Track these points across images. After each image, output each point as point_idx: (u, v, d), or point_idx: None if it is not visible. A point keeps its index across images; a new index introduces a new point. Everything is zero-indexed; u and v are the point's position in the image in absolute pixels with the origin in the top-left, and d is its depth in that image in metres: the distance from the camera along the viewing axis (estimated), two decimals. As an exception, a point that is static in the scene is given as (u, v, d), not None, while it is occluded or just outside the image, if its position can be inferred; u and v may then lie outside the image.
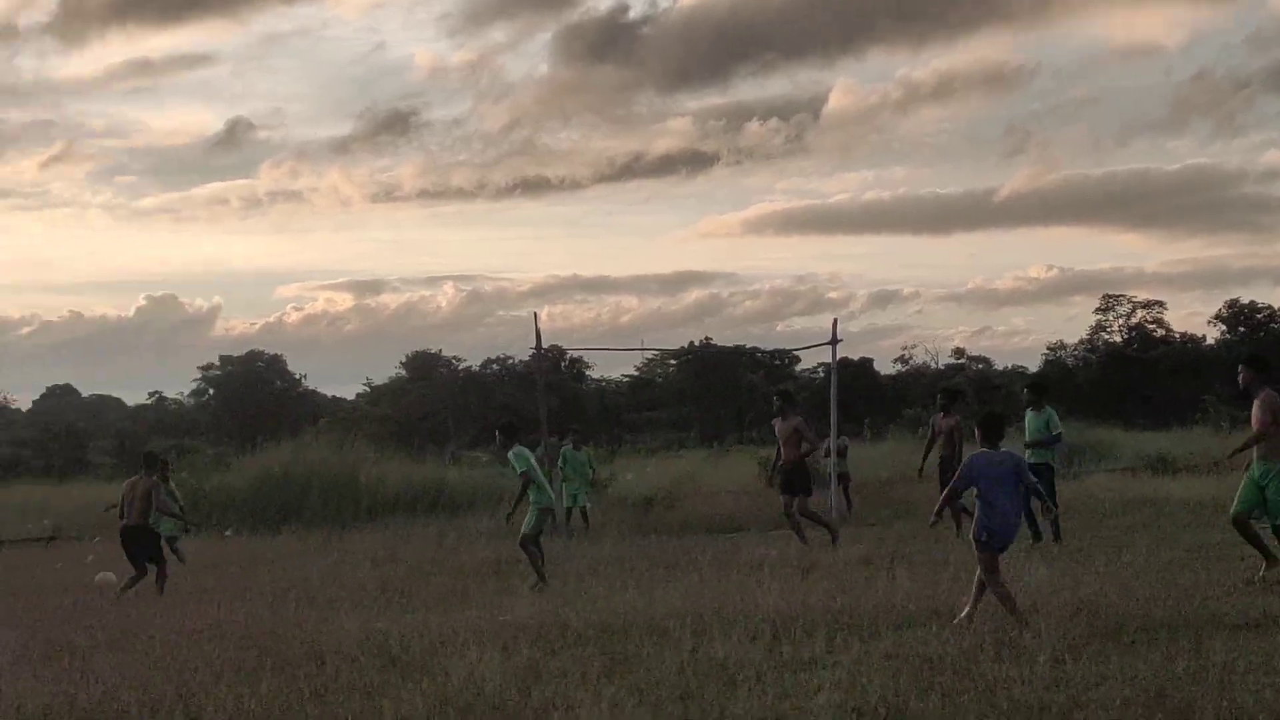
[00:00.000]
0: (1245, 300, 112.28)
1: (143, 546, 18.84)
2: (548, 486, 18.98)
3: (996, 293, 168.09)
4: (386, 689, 10.53)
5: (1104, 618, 12.78)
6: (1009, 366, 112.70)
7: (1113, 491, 29.77)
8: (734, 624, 13.17)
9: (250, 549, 25.43)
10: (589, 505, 29.33)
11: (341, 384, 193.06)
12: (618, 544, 23.28)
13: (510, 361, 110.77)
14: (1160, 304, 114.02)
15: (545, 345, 33.47)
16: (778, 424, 21.86)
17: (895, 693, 9.79)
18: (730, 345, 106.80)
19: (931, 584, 15.82)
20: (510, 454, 18.37)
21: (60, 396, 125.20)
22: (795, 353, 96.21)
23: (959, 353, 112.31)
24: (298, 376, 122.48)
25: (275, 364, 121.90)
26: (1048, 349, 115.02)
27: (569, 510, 28.64)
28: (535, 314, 32.16)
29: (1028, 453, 21.05)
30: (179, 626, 14.61)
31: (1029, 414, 22.04)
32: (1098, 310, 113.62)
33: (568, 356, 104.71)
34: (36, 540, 30.26)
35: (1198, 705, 9.06)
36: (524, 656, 11.63)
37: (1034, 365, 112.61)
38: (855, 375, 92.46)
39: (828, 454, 28.02)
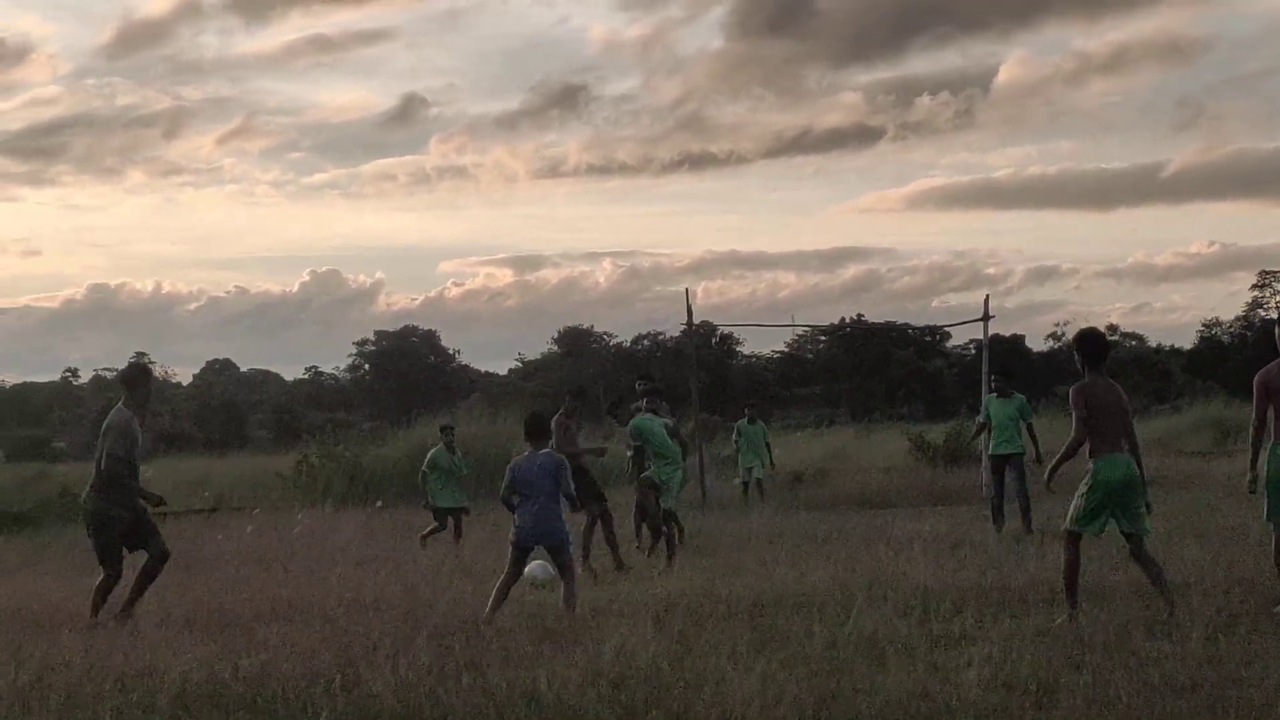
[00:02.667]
0: None
1: None
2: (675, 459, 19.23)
3: (1156, 269, 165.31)
4: (540, 660, 10.68)
5: (1259, 595, 12.68)
6: (1160, 344, 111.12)
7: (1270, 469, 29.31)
8: (884, 599, 13.21)
9: (405, 521, 25.75)
10: (763, 478, 29.82)
11: (498, 359, 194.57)
12: (768, 519, 23.34)
13: (661, 337, 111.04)
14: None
15: (697, 321, 33.57)
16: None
17: (1045, 669, 9.81)
18: (881, 322, 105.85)
19: (1083, 560, 15.75)
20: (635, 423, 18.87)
21: (220, 371, 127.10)
22: (947, 329, 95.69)
23: (1112, 329, 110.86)
24: (451, 352, 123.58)
25: (429, 339, 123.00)
26: (1203, 326, 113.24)
27: (745, 484, 29.23)
28: (687, 290, 32.27)
29: (994, 442, 20.72)
30: (338, 598, 14.88)
31: (995, 401, 21.00)
32: (1254, 287, 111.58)
33: (719, 332, 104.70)
34: (199, 511, 30.85)
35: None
36: (675, 630, 11.74)
37: (1188, 343, 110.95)
38: (1007, 352, 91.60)
39: (978, 432, 27.91)
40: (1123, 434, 12.60)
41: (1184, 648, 10.42)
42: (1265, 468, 12.70)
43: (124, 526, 14.43)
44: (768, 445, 30.40)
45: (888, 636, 11.31)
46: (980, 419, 21.51)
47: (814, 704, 8.84)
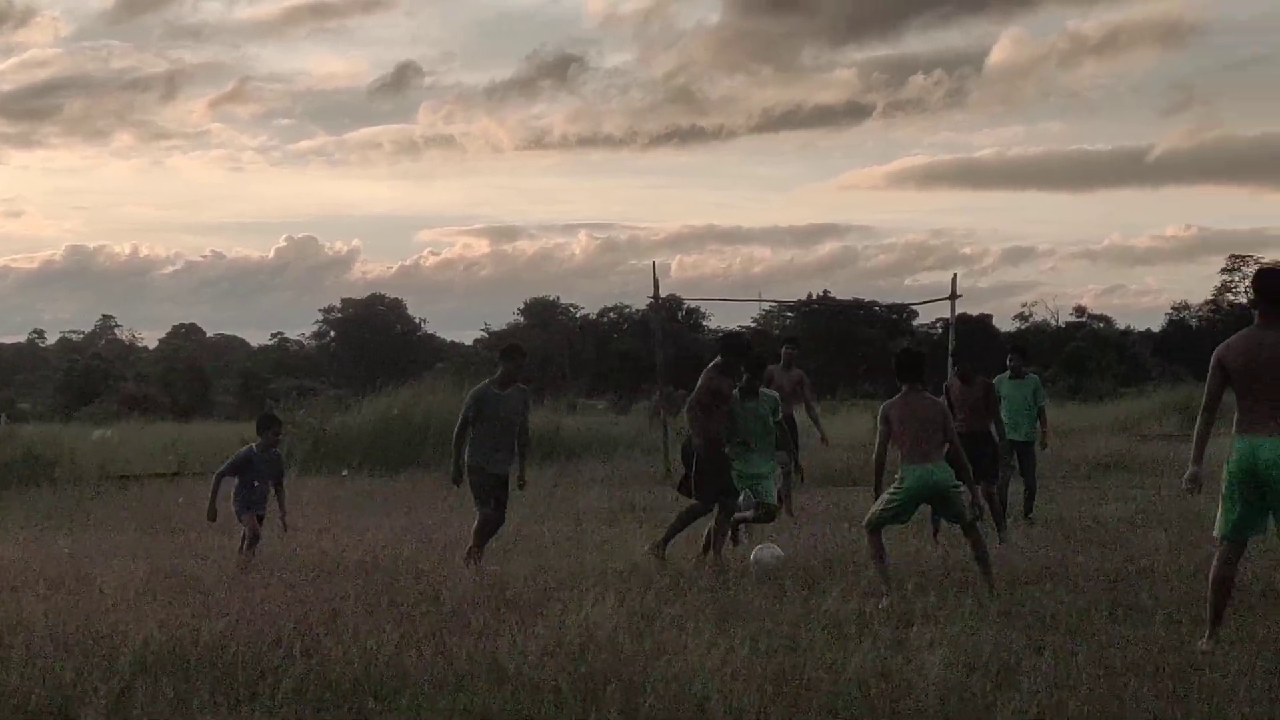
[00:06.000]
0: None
1: None
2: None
3: (1132, 251, 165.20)
4: (502, 630, 10.65)
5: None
6: (1128, 326, 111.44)
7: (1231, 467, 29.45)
8: (846, 577, 13.22)
9: (369, 489, 25.71)
10: None
11: (466, 329, 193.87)
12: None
13: (628, 310, 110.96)
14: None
15: (666, 294, 33.51)
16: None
17: (1007, 650, 9.81)
18: (848, 299, 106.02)
19: (1045, 543, 15.80)
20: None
21: (186, 336, 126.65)
22: (914, 307, 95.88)
23: (1080, 311, 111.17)
24: (418, 320, 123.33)
25: (396, 308, 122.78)
26: (1171, 309, 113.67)
27: None
28: (654, 263, 32.14)
29: (1005, 426, 18.81)
30: (300, 564, 14.84)
31: (1008, 382, 19.46)
32: (1224, 271, 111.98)
33: (685, 306, 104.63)
34: (161, 475, 30.71)
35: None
36: (637, 603, 11.72)
37: (1158, 325, 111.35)
38: (973, 332, 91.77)
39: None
40: (937, 444, 13.08)
41: (1146, 632, 10.45)
42: (1228, 465, 10.87)
43: None
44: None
45: (850, 615, 11.32)
46: None
47: (773, 680, 8.81)
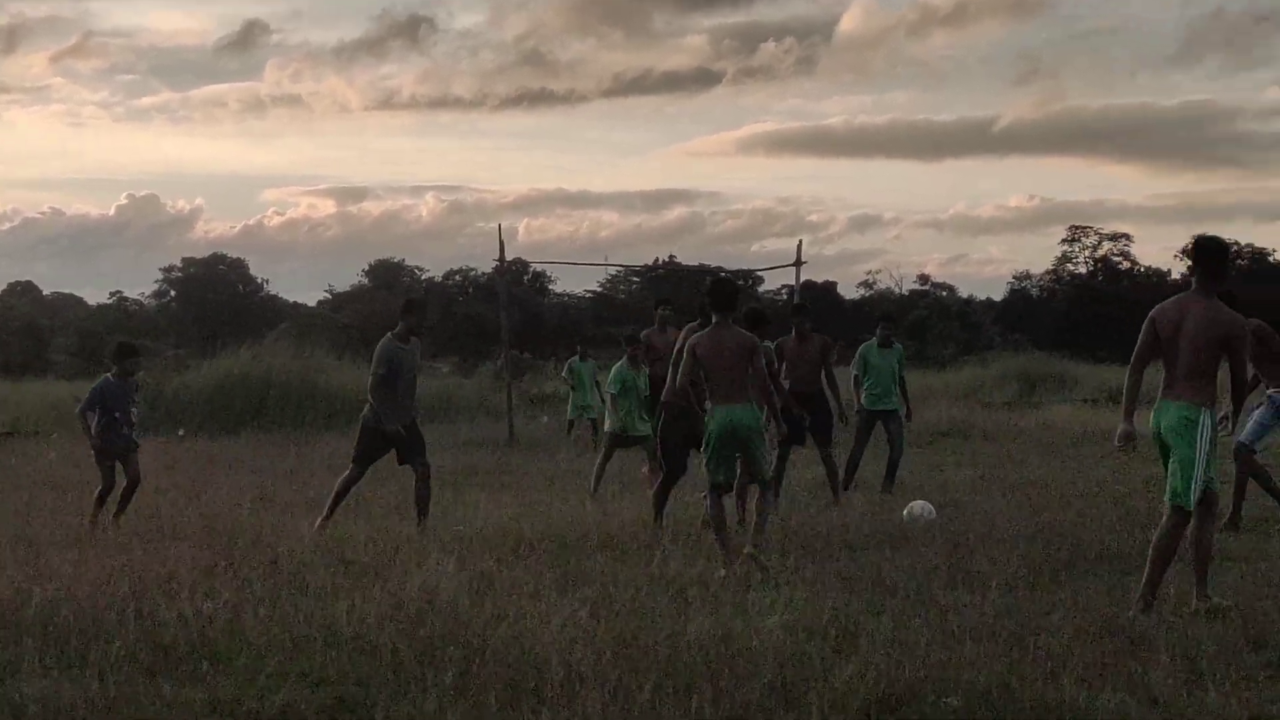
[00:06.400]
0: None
1: None
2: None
3: (977, 220, 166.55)
4: (340, 593, 10.54)
5: (1059, 547, 12.86)
6: (971, 295, 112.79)
7: (1073, 423, 29.95)
8: (688, 541, 13.22)
9: (208, 451, 25.37)
10: (597, 417, 29.65)
11: (310, 290, 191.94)
12: (575, 459, 23.31)
13: (474, 273, 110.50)
14: (1127, 237, 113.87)
15: (513, 258, 33.37)
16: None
17: (847, 614, 9.84)
18: (694, 264, 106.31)
19: (886, 509, 15.91)
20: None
21: (21, 294, 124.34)
22: (759, 273, 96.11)
23: (924, 279, 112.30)
24: (260, 281, 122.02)
25: (238, 267, 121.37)
26: (1014, 278, 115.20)
27: (572, 422, 29.05)
28: (500, 226, 32.03)
29: (867, 397, 18.78)
30: (134, 527, 14.59)
31: (876, 351, 18.91)
32: (1064, 241, 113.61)
33: (531, 270, 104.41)
34: (-8, 435, 30.11)
35: (1149, 635, 9.12)
36: (478, 567, 11.65)
37: (1000, 294, 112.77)
38: (818, 299, 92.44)
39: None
40: (744, 383, 12.68)
41: (984, 597, 10.52)
42: (1155, 425, 10.80)
43: None
44: (596, 383, 30.22)
45: (692, 579, 11.31)
46: (855, 370, 18.99)
47: (613, 644, 8.77)
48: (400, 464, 15.24)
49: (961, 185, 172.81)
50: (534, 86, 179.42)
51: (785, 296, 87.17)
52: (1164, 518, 10.54)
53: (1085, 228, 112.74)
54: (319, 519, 14.72)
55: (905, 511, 14.89)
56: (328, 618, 9.63)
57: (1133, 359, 10.87)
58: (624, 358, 19.10)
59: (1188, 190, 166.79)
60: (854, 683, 7.73)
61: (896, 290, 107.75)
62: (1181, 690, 7.66)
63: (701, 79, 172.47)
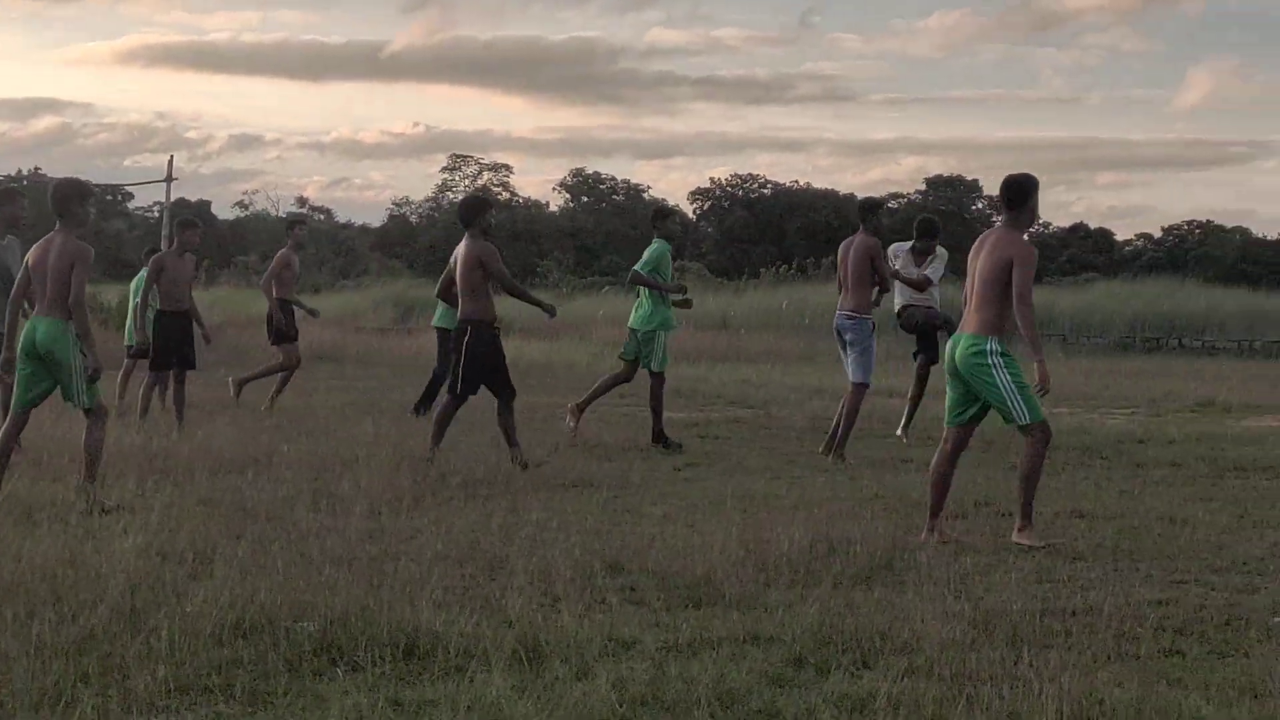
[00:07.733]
0: (592, 170, 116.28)
1: None
2: None
3: (360, 145, 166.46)
4: None
5: (426, 474, 12.88)
6: (349, 220, 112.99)
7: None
8: (37, 464, 12.67)
9: None
10: None
11: None
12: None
13: None
14: (507, 168, 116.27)
15: None
16: None
17: (204, 538, 9.57)
18: (61, 178, 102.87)
19: (253, 432, 15.63)
20: None
21: None
22: (130, 189, 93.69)
23: (302, 202, 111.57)
24: None
25: None
26: (393, 204, 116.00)
27: None
28: None
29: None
30: None
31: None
32: (445, 169, 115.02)
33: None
34: None
35: (509, 560, 9.19)
36: None
37: (379, 220, 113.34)
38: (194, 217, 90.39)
39: None
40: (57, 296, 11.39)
41: (346, 522, 10.42)
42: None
43: None
44: None
45: (42, 500, 10.82)
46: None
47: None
48: None
49: (347, 109, 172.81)
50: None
51: (157, 215, 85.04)
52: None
53: (467, 156, 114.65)
54: None
55: None
56: None
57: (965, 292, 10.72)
58: None
59: (572, 125, 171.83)
60: (206, 606, 7.47)
61: (273, 212, 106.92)
62: (536, 613, 7.72)
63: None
